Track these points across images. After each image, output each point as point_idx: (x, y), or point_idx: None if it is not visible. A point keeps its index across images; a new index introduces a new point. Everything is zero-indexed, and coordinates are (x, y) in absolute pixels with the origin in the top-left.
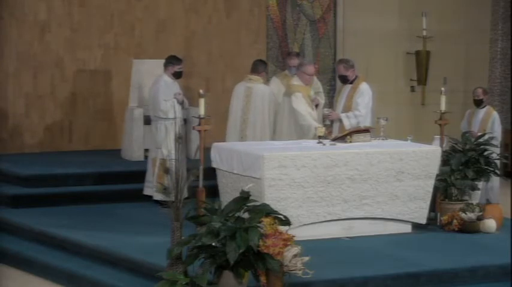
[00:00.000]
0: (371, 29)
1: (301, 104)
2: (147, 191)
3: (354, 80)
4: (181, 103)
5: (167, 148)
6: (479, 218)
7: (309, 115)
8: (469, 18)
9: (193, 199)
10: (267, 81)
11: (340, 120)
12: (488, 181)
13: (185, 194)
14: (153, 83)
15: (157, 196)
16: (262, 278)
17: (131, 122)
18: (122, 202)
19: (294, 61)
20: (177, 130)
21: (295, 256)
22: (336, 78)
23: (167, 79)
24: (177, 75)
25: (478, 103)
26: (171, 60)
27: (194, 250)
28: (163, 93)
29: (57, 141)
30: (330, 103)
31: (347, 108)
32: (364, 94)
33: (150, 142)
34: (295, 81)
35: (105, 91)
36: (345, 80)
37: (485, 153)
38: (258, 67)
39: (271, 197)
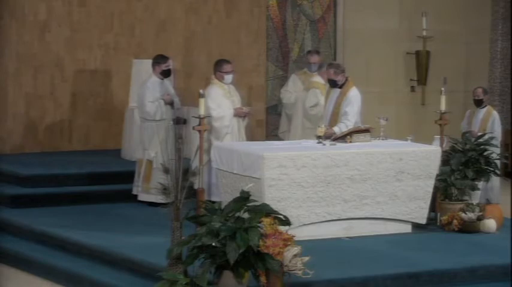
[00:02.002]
0: (371, 29)
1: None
2: (134, 191)
3: (343, 84)
4: (170, 104)
5: (154, 150)
6: (479, 218)
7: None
8: (469, 18)
9: (193, 199)
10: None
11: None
12: (488, 181)
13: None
14: (140, 84)
15: (142, 197)
16: (262, 278)
17: (131, 122)
18: (122, 202)
19: (315, 58)
20: (177, 131)
21: (295, 256)
22: None
23: (155, 79)
24: (165, 74)
25: (478, 103)
26: (157, 59)
27: (194, 250)
28: (149, 95)
29: (57, 141)
30: None
31: (335, 116)
32: (353, 102)
33: (137, 143)
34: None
35: (105, 91)
36: (334, 84)
37: (485, 153)
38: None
39: (271, 197)
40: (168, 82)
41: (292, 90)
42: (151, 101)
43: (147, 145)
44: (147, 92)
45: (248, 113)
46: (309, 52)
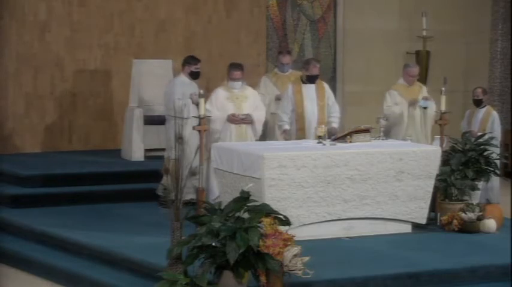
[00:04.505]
0: (371, 29)
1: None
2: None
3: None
4: (197, 104)
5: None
6: (479, 218)
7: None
8: (469, 18)
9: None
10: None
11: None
12: (488, 181)
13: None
14: (168, 82)
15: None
16: (262, 278)
17: (131, 122)
18: (122, 202)
19: (287, 59)
20: (178, 130)
21: (295, 256)
22: (337, 78)
23: (183, 79)
24: (194, 75)
25: (478, 103)
26: (188, 60)
27: (194, 250)
28: (177, 93)
29: (57, 141)
30: None
31: (321, 108)
32: (331, 93)
33: (164, 141)
34: (400, 80)
35: (105, 91)
36: (316, 79)
37: (485, 153)
38: None
39: (271, 197)
40: (195, 84)
41: (265, 92)
42: (179, 98)
43: (170, 143)
44: (175, 89)
45: (242, 120)
46: (280, 53)
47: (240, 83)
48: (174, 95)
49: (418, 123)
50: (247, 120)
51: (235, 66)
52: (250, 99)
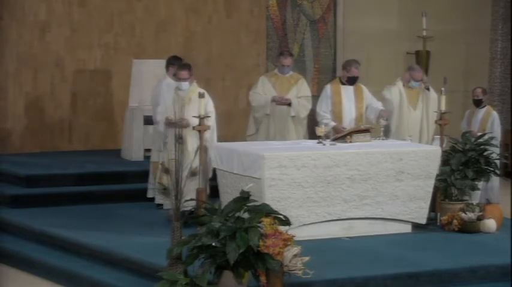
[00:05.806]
0: (371, 29)
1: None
2: (149, 194)
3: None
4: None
5: (169, 151)
6: (479, 218)
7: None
8: (469, 18)
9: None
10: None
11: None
12: (488, 181)
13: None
14: (155, 86)
15: (159, 199)
16: (262, 278)
17: (131, 122)
18: (122, 202)
19: (288, 61)
20: (177, 131)
21: (295, 256)
22: None
23: (169, 81)
24: None
25: (478, 103)
26: (171, 60)
27: (194, 250)
28: (163, 96)
29: (57, 141)
30: None
31: (359, 110)
32: (369, 94)
33: (152, 144)
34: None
35: (105, 91)
36: (355, 81)
37: (485, 153)
38: None
39: (271, 197)
40: None
41: (262, 92)
42: (163, 109)
43: (161, 147)
44: (161, 93)
45: (174, 124)
46: (281, 54)
47: (187, 83)
48: (160, 98)
49: (419, 122)
50: (181, 124)
51: (183, 65)
52: (195, 103)
